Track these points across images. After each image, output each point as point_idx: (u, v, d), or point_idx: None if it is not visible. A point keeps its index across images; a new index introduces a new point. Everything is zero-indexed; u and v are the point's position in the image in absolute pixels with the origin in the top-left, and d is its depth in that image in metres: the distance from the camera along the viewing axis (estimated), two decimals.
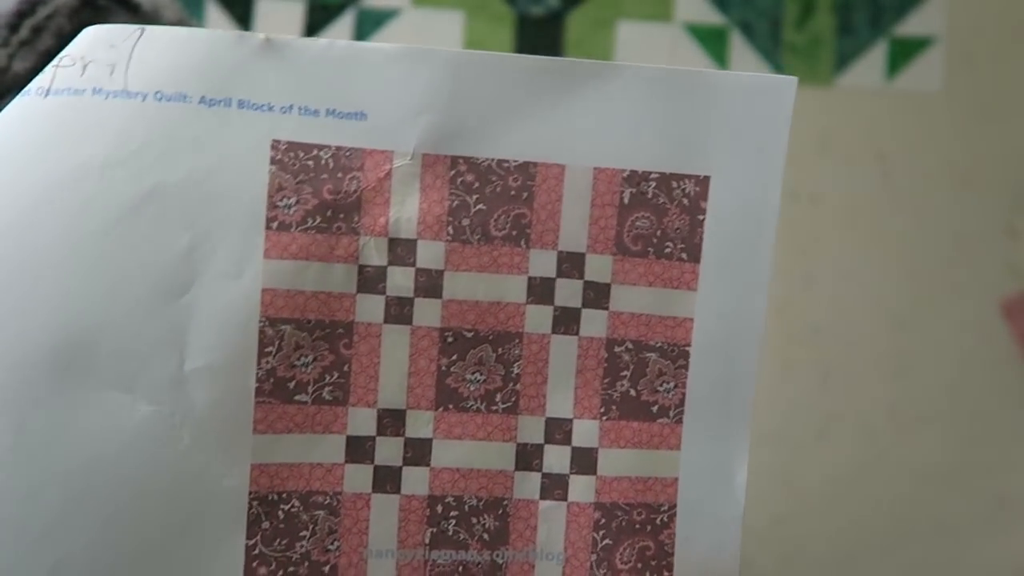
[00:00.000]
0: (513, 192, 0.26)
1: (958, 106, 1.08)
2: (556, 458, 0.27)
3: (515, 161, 0.26)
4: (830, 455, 1.06)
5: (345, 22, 1.08)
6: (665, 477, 0.28)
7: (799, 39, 1.09)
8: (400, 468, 0.26)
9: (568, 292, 0.26)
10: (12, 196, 0.24)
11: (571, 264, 0.26)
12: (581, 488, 0.27)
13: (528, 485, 0.26)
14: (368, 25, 1.08)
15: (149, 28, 0.25)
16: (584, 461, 0.27)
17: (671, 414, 0.28)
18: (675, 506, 0.29)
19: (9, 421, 0.23)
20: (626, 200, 0.26)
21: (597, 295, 0.26)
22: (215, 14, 1.08)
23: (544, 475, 0.26)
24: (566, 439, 0.26)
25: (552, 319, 0.26)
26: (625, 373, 0.27)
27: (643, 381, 0.27)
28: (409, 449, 0.26)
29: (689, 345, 0.28)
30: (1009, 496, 1.07)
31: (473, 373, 0.26)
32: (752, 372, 0.32)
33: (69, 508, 0.23)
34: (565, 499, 0.26)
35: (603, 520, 0.27)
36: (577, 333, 0.27)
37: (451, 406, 0.26)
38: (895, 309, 1.07)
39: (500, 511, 0.26)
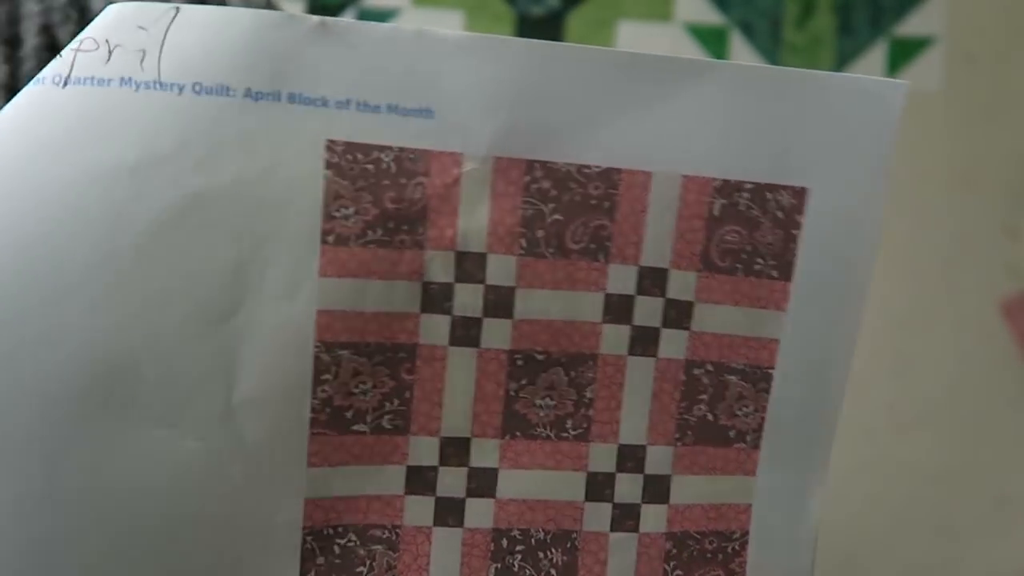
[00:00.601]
0: (594, 201, 0.23)
1: (958, 106, 1.08)
2: (628, 487, 0.25)
3: (597, 167, 0.23)
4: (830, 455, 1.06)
5: None
6: (738, 504, 0.26)
7: (799, 39, 1.09)
8: (463, 500, 0.24)
9: (648, 311, 0.24)
10: (29, 205, 0.21)
11: (652, 280, 0.24)
12: (653, 518, 0.25)
13: (598, 516, 0.25)
14: None
15: (185, 7, 0.21)
16: (657, 489, 0.25)
17: (748, 439, 0.26)
18: (747, 533, 0.26)
19: (40, 463, 0.21)
20: (716, 212, 0.24)
21: (679, 314, 0.24)
22: None
23: (615, 505, 0.25)
24: (638, 467, 0.25)
25: (629, 340, 0.24)
26: (703, 396, 0.25)
27: (721, 405, 0.25)
28: (473, 480, 0.24)
29: (773, 368, 0.26)
30: (1009, 496, 1.06)
31: (543, 398, 0.24)
32: (841, 397, 0.29)
33: (112, 554, 0.21)
34: (636, 530, 0.25)
35: (674, 551, 0.25)
36: (656, 355, 0.24)
37: (519, 433, 0.24)
38: (895, 309, 1.07)
39: (569, 544, 0.24)
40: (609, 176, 0.23)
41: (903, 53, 1.09)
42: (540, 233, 0.23)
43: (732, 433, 0.25)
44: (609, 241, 0.23)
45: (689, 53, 1.09)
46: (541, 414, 0.24)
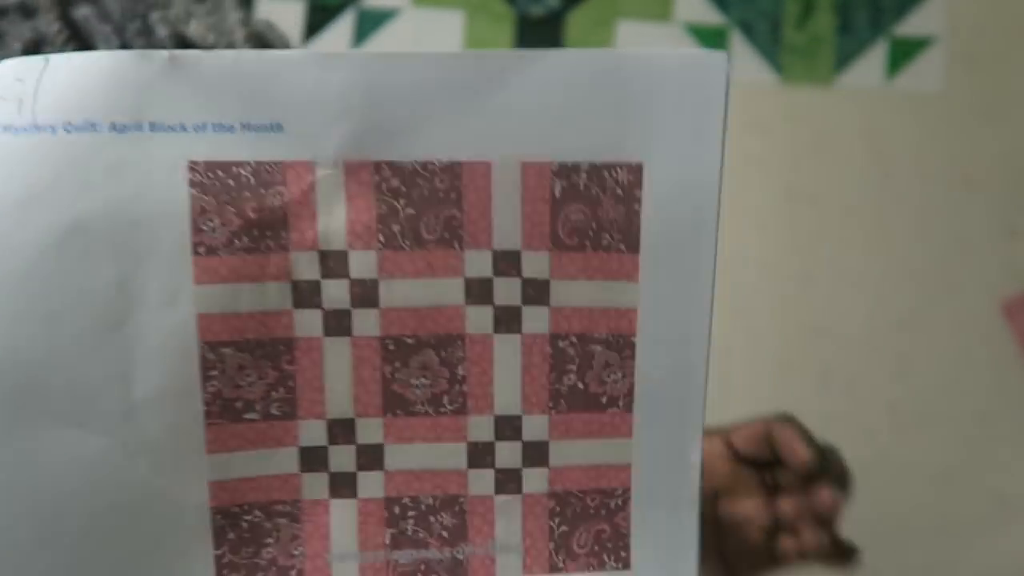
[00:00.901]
0: (441, 194, 0.25)
1: (958, 106, 1.08)
2: (508, 454, 0.27)
3: (440, 161, 0.25)
4: None
5: (345, 22, 1.08)
6: (618, 464, 0.28)
7: (799, 39, 1.09)
8: (355, 473, 0.26)
9: (507, 291, 0.26)
10: None
11: (507, 262, 0.25)
12: (535, 479, 0.27)
13: (482, 482, 0.27)
14: (368, 25, 1.08)
15: (54, 57, 0.24)
16: (535, 454, 0.27)
17: (620, 403, 0.27)
18: (629, 490, 0.28)
19: None
20: (558, 194, 0.25)
21: (537, 292, 0.26)
22: None
23: (497, 471, 0.27)
24: (516, 435, 0.26)
25: (493, 319, 0.26)
26: (571, 367, 0.27)
27: (590, 373, 0.27)
28: (362, 455, 0.26)
29: (634, 335, 0.27)
30: (1009, 496, 1.06)
31: (418, 378, 0.26)
32: (703, 358, 0.30)
33: (40, 543, 0.24)
34: (520, 492, 0.27)
35: (558, 508, 0.27)
36: (520, 331, 0.26)
37: (399, 411, 0.26)
38: (895, 309, 1.07)
39: (456, 508, 0.26)
40: (452, 169, 0.25)
41: (903, 53, 1.09)
42: (396, 227, 0.25)
43: (604, 399, 0.27)
44: (461, 229, 0.25)
45: None
46: (418, 392, 0.26)
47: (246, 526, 0.25)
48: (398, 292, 0.25)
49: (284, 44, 0.49)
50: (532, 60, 0.24)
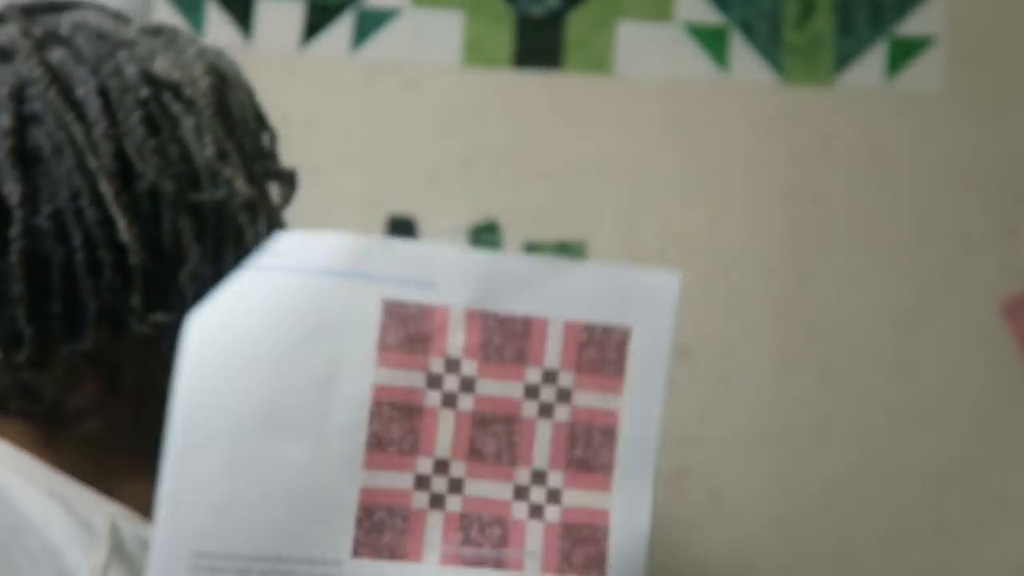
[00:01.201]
0: (518, 333, 0.41)
1: (958, 106, 1.08)
2: (537, 494, 0.42)
3: (519, 315, 0.41)
4: (830, 455, 1.06)
5: (345, 22, 1.08)
6: (601, 509, 0.43)
7: (799, 39, 1.09)
8: (444, 495, 0.41)
9: (548, 393, 0.41)
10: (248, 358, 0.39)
11: (549, 376, 0.41)
12: (551, 513, 0.42)
13: (520, 510, 0.41)
14: (368, 25, 1.08)
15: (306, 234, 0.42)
16: (554, 496, 0.42)
17: (605, 470, 0.43)
18: (608, 528, 0.43)
19: (230, 460, 0.38)
20: (584, 340, 0.41)
21: (564, 396, 0.42)
22: (215, 14, 1.08)
23: (530, 505, 0.41)
24: (543, 481, 0.42)
25: (538, 409, 0.41)
26: (580, 443, 0.42)
27: (590, 449, 0.42)
28: (451, 484, 0.41)
29: (616, 427, 0.43)
30: (1009, 496, 1.07)
31: (490, 440, 0.41)
32: (654, 442, 0.45)
33: (276, 517, 0.39)
34: (542, 520, 0.41)
35: (566, 533, 0.42)
36: (552, 418, 0.41)
37: (476, 459, 0.41)
38: (895, 309, 1.07)
39: (503, 525, 0.41)
40: (525, 321, 0.41)
41: (903, 53, 1.09)
42: (490, 349, 0.40)
43: (597, 466, 0.42)
44: (526, 354, 0.41)
45: (689, 53, 1.09)
46: (489, 448, 0.41)
47: (375, 520, 0.40)
48: (486, 387, 0.41)
49: (235, 71, 0.55)
50: (569, 267, 0.42)
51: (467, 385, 0.41)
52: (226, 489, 0.38)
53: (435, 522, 0.40)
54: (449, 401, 0.41)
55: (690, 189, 1.08)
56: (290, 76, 1.08)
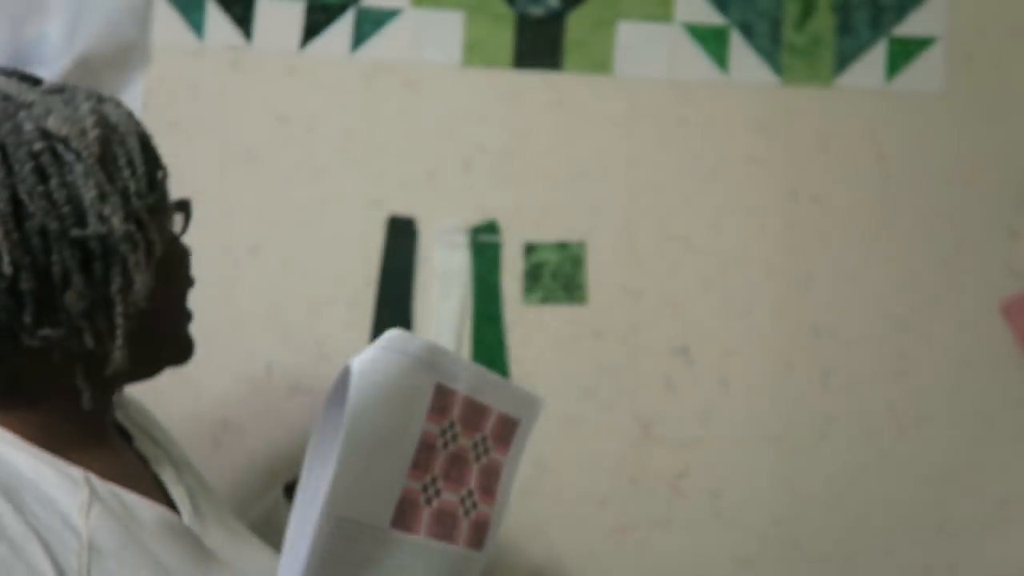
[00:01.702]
0: (479, 412, 0.63)
1: (958, 106, 1.08)
2: (468, 503, 0.64)
3: (480, 403, 0.63)
4: (830, 455, 1.06)
5: (345, 22, 1.08)
6: (487, 514, 0.65)
7: (799, 39, 1.09)
8: (432, 498, 0.61)
9: (480, 449, 0.65)
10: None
11: (483, 439, 0.65)
12: (472, 515, 0.64)
13: (460, 510, 0.63)
14: (368, 25, 1.08)
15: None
16: (474, 506, 0.64)
17: (493, 492, 0.66)
18: (489, 523, 0.65)
19: (366, 460, 0.56)
20: (502, 421, 0.66)
21: (486, 450, 0.66)
22: (215, 14, 1.08)
23: (464, 509, 0.64)
24: (471, 496, 0.64)
25: (475, 456, 0.65)
26: (485, 476, 0.65)
27: (489, 480, 0.66)
28: (436, 492, 0.62)
29: (501, 470, 0.67)
30: (1009, 496, 1.07)
31: (453, 469, 0.62)
32: (511, 483, 0.68)
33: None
34: (467, 518, 0.64)
35: (473, 527, 0.64)
36: (479, 462, 0.65)
37: (446, 479, 0.62)
38: (895, 309, 1.07)
39: (454, 518, 0.62)
40: (483, 406, 0.63)
41: (903, 53, 1.09)
42: (467, 418, 0.62)
43: (491, 489, 0.66)
44: (480, 424, 0.64)
45: (689, 53, 1.09)
46: (452, 474, 0.62)
47: (402, 509, 0.58)
48: (461, 440, 0.62)
49: (126, 120, 0.62)
50: (504, 385, 0.66)
51: (454, 437, 0.61)
52: (356, 478, 0.55)
53: (425, 512, 0.60)
54: (446, 445, 0.61)
55: (690, 189, 1.08)
56: (290, 76, 1.08)
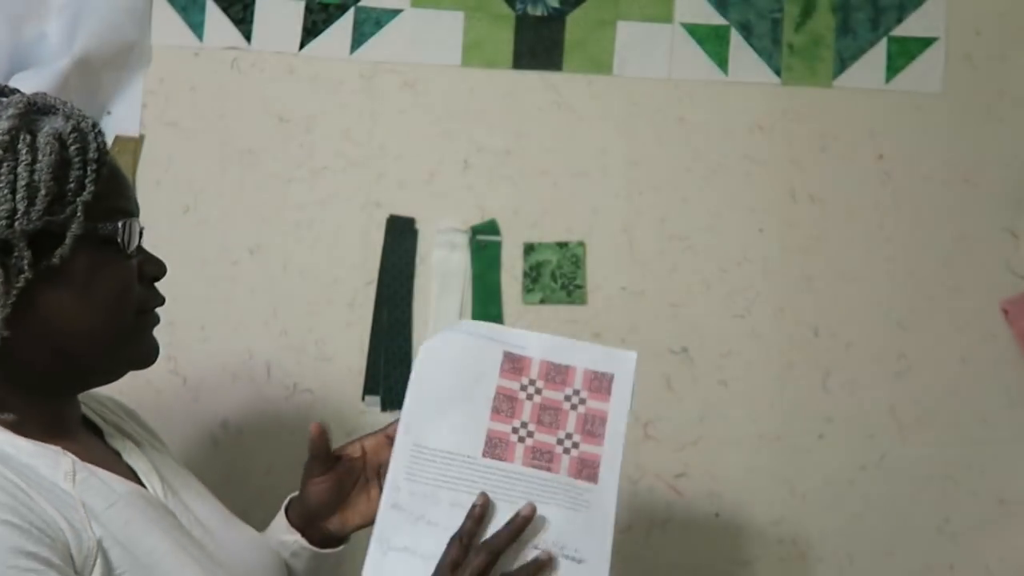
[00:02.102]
0: (563, 371, 0.77)
1: (958, 106, 1.08)
2: (568, 443, 0.75)
3: (563, 364, 0.78)
4: (830, 455, 1.06)
5: (345, 22, 1.08)
6: (595, 454, 0.76)
7: (799, 39, 1.09)
8: (524, 437, 0.75)
9: (575, 400, 0.77)
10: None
11: (576, 392, 0.77)
12: (574, 452, 0.75)
13: (558, 448, 0.75)
14: (368, 25, 1.08)
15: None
16: (576, 446, 0.75)
17: (600, 438, 0.77)
18: (599, 462, 0.76)
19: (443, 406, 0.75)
20: (592, 377, 0.77)
21: (581, 401, 0.76)
22: (215, 15, 1.08)
23: (564, 448, 0.75)
24: (570, 438, 0.75)
25: (570, 406, 0.77)
26: (588, 423, 0.76)
27: (593, 426, 0.76)
28: (528, 433, 0.75)
29: (607, 418, 0.77)
30: (1009, 496, 1.07)
31: (547, 415, 0.76)
32: (623, 428, 0.76)
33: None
34: (568, 455, 0.75)
35: (579, 464, 0.75)
36: (576, 411, 0.77)
37: (540, 424, 0.76)
38: (895, 309, 1.07)
39: (551, 453, 0.75)
40: (567, 367, 0.77)
41: (903, 53, 1.09)
42: (550, 377, 0.77)
43: (596, 434, 0.76)
44: (566, 380, 0.77)
45: (689, 53, 1.09)
46: (545, 420, 0.76)
47: (491, 442, 0.74)
48: (547, 393, 0.76)
49: (54, 136, 0.62)
50: (585, 345, 0.78)
51: (538, 391, 0.76)
52: (436, 420, 0.74)
53: (519, 448, 0.74)
54: (531, 397, 0.75)
55: (690, 189, 1.08)
56: (290, 76, 1.08)
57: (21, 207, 0.59)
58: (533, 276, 1.07)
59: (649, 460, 1.06)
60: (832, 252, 1.07)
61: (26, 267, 0.59)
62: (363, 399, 1.06)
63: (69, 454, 0.63)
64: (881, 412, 1.07)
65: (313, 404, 1.06)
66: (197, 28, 1.08)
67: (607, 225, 1.07)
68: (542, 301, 1.07)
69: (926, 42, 1.09)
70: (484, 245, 1.07)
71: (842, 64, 1.09)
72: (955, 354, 1.07)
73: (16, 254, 0.59)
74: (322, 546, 0.79)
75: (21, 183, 0.59)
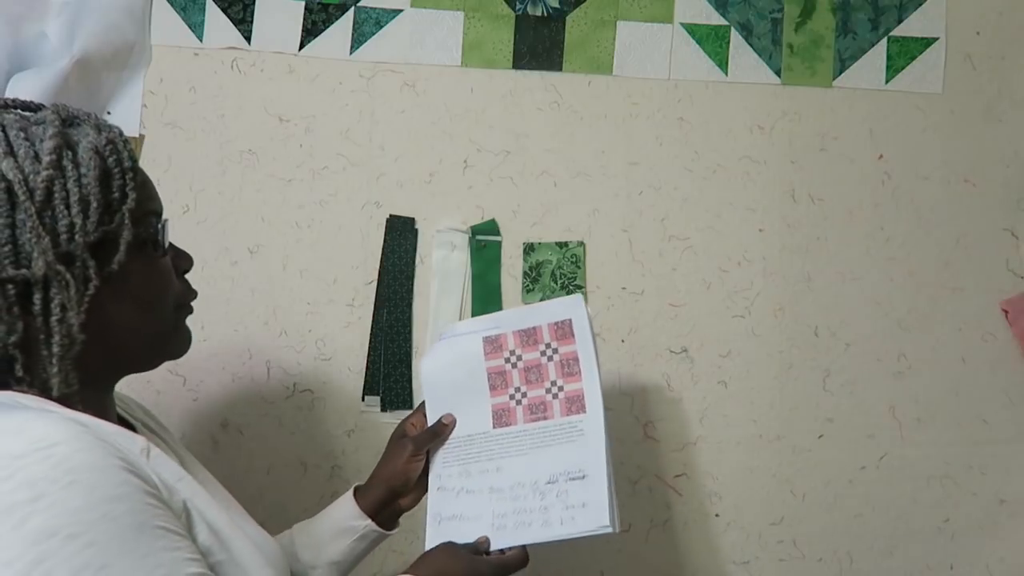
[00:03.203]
0: (532, 332, 0.90)
1: (958, 106, 1.09)
2: (554, 389, 0.89)
3: (531, 327, 0.90)
4: (830, 455, 1.06)
5: (345, 22, 1.08)
6: (580, 389, 0.89)
7: (799, 39, 1.09)
8: (520, 399, 0.90)
9: (549, 351, 0.91)
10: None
11: (549, 345, 0.91)
12: (560, 395, 0.89)
13: (548, 396, 0.89)
14: (368, 25, 1.08)
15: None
16: (560, 388, 0.89)
17: (577, 375, 0.89)
18: (583, 393, 0.89)
19: (452, 394, 0.91)
20: (555, 327, 0.90)
21: (554, 351, 0.90)
22: (215, 15, 1.08)
23: (552, 393, 0.89)
24: (555, 384, 0.89)
25: (547, 358, 0.90)
26: (566, 366, 0.89)
27: (570, 367, 0.89)
28: (522, 394, 0.90)
29: (577, 356, 0.89)
30: (1009, 496, 1.07)
31: (532, 373, 0.90)
32: (594, 357, 0.89)
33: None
34: (557, 398, 0.90)
35: (567, 401, 0.89)
36: (552, 360, 0.91)
37: (528, 382, 0.90)
38: (895, 309, 1.08)
39: (544, 403, 0.89)
40: (534, 328, 0.91)
41: (903, 53, 1.09)
42: (524, 339, 0.91)
43: (575, 372, 0.89)
44: (537, 338, 0.91)
45: (689, 53, 1.09)
46: (532, 377, 0.90)
47: (497, 413, 0.90)
48: (526, 355, 0.91)
49: (92, 150, 0.64)
50: (535, 307, 0.92)
51: (519, 357, 0.90)
52: (445, 404, 0.90)
53: (519, 410, 0.89)
54: (515, 365, 0.89)
55: (690, 189, 1.08)
56: (290, 76, 1.08)
57: (78, 221, 0.62)
58: (533, 276, 1.07)
59: (649, 460, 1.06)
60: (832, 252, 1.08)
61: (93, 275, 0.63)
62: (363, 399, 1.06)
63: (138, 435, 0.66)
64: (881, 412, 1.07)
65: (313, 404, 1.06)
66: (197, 28, 1.08)
67: (607, 225, 1.07)
68: (542, 301, 1.07)
69: (926, 42, 1.09)
70: (484, 245, 1.07)
71: (842, 64, 1.09)
72: (955, 354, 1.07)
73: (82, 265, 0.62)
74: (387, 529, 0.88)
75: (74, 198, 0.62)
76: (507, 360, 0.90)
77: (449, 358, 0.90)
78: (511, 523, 0.84)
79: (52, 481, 0.53)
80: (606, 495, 0.82)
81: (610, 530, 0.80)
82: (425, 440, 0.88)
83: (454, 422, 0.89)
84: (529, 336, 0.89)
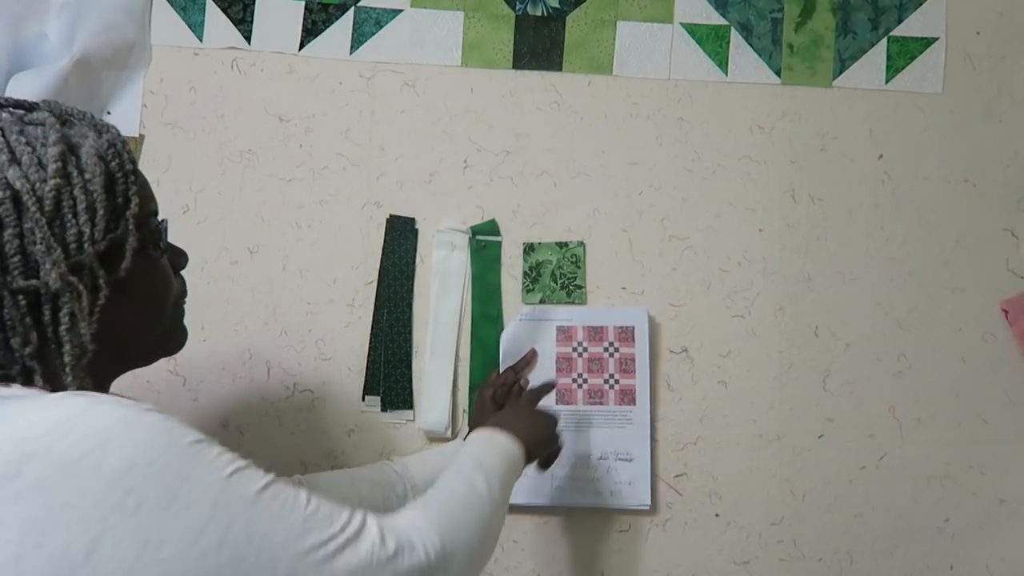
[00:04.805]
0: (599, 330, 1.07)
1: (958, 106, 1.08)
2: (610, 381, 1.06)
3: (600, 326, 1.07)
4: (830, 455, 1.06)
5: (345, 22, 1.08)
6: (633, 384, 1.07)
7: (799, 39, 1.09)
8: (581, 383, 1.06)
9: (611, 349, 1.07)
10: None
11: (612, 344, 1.06)
12: (616, 387, 1.06)
13: (605, 386, 1.06)
14: (368, 25, 1.08)
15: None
16: (616, 381, 1.06)
17: (631, 372, 1.06)
18: (635, 388, 1.06)
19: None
20: (620, 329, 1.06)
21: (616, 349, 1.07)
22: (215, 15, 1.08)
23: (609, 384, 1.06)
24: (612, 376, 1.06)
25: (609, 353, 1.06)
26: (622, 364, 1.06)
27: (626, 365, 1.05)
28: (583, 380, 1.07)
29: (635, 355, 1.06)
30: (1009, 496, 1.07)
31: (593, 364, 1.06)
32: (647, 360, 1.05)
33: None
34: (612, 389, 1.06)
35: (622, 392, 1.06)
36: (613, 357, 1.06)
37: (590, 371, 1.06)
38: (895, 309, 1.07)
39: (601, 391, 1.06)
40: (602, 327, 1.07)
41: (903, 53, 1.09)
42: (591, 335, 1.07)
43: (630, 371, 1.06)
44: (602, 336, 1.07)
45: (689, 53, 1.09)
46: (593, 368, 1.06)
47: (562, 393, 1.06)
48: (590, 348, 1.06)
49: (95, 156, 0.62)
50: (609, 310, 1.08)
51: (585, 349, 1.04)
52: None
53: (579, 392, 1.04)
54: (581, 355, 1.04)
55: (690, 189, 1.08)
56: (290, 76, 1.08)
57: (87, 229, 0.61)
58: (533, 276, 1.07)
59: (649, 460, 1.06)
60: (832, 252, 1.07)
61: (102, 284, 0.62)
62: (363, 399, 1.06)
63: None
64: (881, 412, 1.07)
65: (313, 404, 1.06)
66: (197, 28, 1.08)
67: (607, 225, 1.07)
68: (542, 301, 1.07)
69: (926, 42, 1.09)
70: (484, 245, 1.07)
71: (842, 64, 1.09)
72: (955, 354, 1.07)
73: (91, 273, 0.62)
74: None
75: (81, 206, 0.61)
76: (574, 349, 1.05)
77: (527, 336, 1.05)
78: (568, 486, 1.03)
79: (109, 428, 0.55)
80: (648, 477, 1.03)
81: (648, 507, 1.03)
82: (520, 367, 1.03)
83: (537, 355, 1.04)
84: (596, 333, 1.05)
